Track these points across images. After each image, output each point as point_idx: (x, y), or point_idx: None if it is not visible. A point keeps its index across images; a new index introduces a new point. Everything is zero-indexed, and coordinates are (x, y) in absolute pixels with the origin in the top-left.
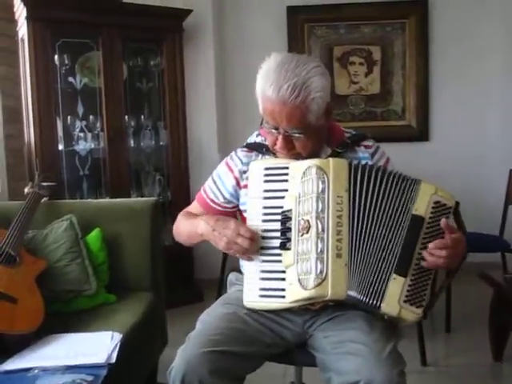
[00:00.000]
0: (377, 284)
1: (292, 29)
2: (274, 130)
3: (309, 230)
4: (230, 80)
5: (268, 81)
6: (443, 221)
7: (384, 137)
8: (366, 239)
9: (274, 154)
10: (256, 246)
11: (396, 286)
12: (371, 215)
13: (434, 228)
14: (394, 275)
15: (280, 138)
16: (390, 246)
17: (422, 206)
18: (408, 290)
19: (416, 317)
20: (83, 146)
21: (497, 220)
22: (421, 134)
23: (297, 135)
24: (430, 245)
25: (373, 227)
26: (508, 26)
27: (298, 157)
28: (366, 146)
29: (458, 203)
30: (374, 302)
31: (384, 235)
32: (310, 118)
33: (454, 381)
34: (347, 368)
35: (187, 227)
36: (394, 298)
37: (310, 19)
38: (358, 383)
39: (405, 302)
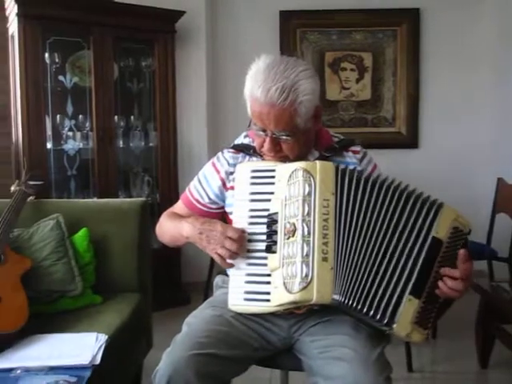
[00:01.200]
0: (382, 299)
1: (284, 33)
2: (261, 132)
3: (295, 233)
4: (222, 82)
5: (256, 82)
6: (462, 252)
7: (374, 143)
8: (355, 244)
9: (261, 156)
10: (243, 248)
11: (410, 307)
12: (361, 220)
13: (448, 253)
14: (409, 296)
15: (267, 140)
16: (400, 263)
17: (442, 230)
18: (419, 312)
19: (423, 338)
20: (72, 145)
21: (484, 228)
22: (410, 141)
23: (284, 138)
24: (442, 270)
25: (363, 233)
26: (499, 36)
27: (285, 159)
28: (353, 152)
29: (470, 230)
30: (379, 316)
31: (385, 247)
32: (298, 120)
33: None
34: (334, 373)
35: (171, 229)
36: (406, 318)
37: (302, 24)
38: None
39: (415, 323)
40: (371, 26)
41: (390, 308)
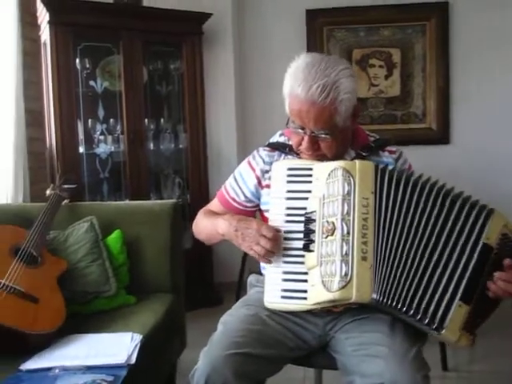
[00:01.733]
0: (430, 303)
1: (311, 32)
2: (300, 130)
3: (334, 232)
4: (250, 83)
5: (297, 80)
6: (508, 260)
7: (404, 140)
8: (395, 244)
9: (297, 155)
10: (278, 246)
11: (459, 313)
12: (401, 220)
13: (496, 260)
14: (459, 302)
15: (306, 138)
16: (448, 267)
17: (492, 236)
18: (467, 318)
19: (469, 343)
20: (103, 148)
21: None
22: (441, 137)
23: (323, 136)
24: (497, 274)
25: (405, 233)
26: None
27: (322, 158)
28: (390, 152)
29: None
30: (428, 320)
31: (431, 250)
32: (338, 119)
33: None
34: (370, 371)
35: (208, 226)
36: (456, 324)
37: (329, 22)
38: None
39: (463, 329)
40: (399, 22)
41: (440, 313)
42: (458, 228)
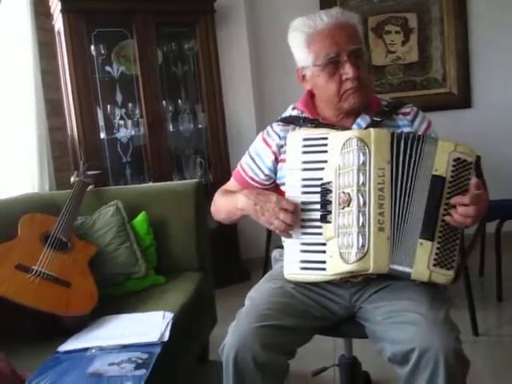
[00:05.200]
0: (408, 252)
1: (324, 1)
2: (334, 66)
3: (350, 203)
4: (265, 58)
5: (313, 18)
6: (473, 181)
7: (425, 106)
8: (406, 211)
9: (312, 126)
10: (297, 220)
11: (423, 251)
12: (409, 185)
13: (457, 187)
14: (420, 240)
15: (348, 64)
16: (415, 211)
17: (441, 166)
18: (436, 254)
19: (447, 279)
20: (124, 133)
21: None
22: (463, 100)
23: (362, 51)
24: (452, 200)
25: (411, 197)
26: None
27: (363, 98)
28: (404, 114)
29: (478, 157)
30: (407, 269)
31: (413, 201)
32: (362, 40)
33: (508, 351)
34: (401, 337)
35: (226, 204)
36: (422, 263)
37: None
38: (413, 351)
39: (434, 265)
40: None
41: (410, 258)
42: (420, 171)
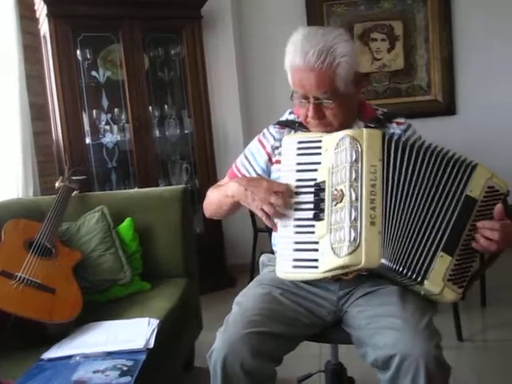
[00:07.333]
0: (419, 258)
1: (311, 8)
2: (303, 100)
3: (342, 198)
4: (251, 63)
5: (296, 51)
6: (498, 206)
7: (410, 113)
8: (402, 209)
9: (307, 130)
10: (289, 204)
11: (442, 264)
12: (407, 186)
13: (483, 212)
14: (441, 253)
15: (311, 107)
16: (437, 223)
17: (476, 189)
18: (453, 270)
19: (456, 296)
20: (110, 138)
21: None
22: (448, 108)
23: (326, 101)
24: (479, 223)
25: (409, 198)
26: None
27: (330, 129)
28: (398, 123)
29: (508, 191)
30: (415, 275)
31: (426, 210)
32: (338, 83)
33: (492, 356)
34: (383, 342)
35: (217, 194)
36: (439, 275)
37: None
38: (394, 357)
39: (448, 280)
40: None
41: (424, 266)
42: (446, 186)
